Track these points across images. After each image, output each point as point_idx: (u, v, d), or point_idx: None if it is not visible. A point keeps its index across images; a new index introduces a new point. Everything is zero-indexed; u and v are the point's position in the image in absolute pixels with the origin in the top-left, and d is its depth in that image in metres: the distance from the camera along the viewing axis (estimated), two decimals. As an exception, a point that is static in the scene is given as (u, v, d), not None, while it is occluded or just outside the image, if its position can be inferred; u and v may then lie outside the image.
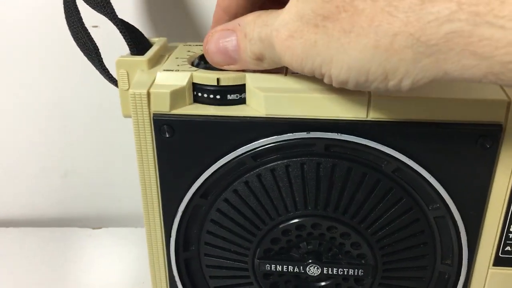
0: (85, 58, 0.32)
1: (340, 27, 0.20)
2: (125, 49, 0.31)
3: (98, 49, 0.31)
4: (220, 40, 0.27)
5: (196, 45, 0.33)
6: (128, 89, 0.29)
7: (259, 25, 0.25)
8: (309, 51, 0.22)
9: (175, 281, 0.33)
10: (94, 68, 0.32)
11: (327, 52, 0.21)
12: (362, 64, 0.21)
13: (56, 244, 0.51)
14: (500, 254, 0.30)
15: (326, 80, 0.23)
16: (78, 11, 0.30)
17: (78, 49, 0.32)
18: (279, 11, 0.24)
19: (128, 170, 0.52)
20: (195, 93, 0.28)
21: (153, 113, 0.28)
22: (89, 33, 0.31)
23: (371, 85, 0.21)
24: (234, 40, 0.26)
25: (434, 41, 0.18)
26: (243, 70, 0.28)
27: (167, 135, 0.28)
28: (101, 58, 0.31)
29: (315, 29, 0.21)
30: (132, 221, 0.53)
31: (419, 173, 0.28)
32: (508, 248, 0.30)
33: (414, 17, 0.18)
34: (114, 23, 0.30)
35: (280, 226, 0.29)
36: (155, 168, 0.29)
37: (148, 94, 0.28)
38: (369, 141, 0.27)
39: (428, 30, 0.18)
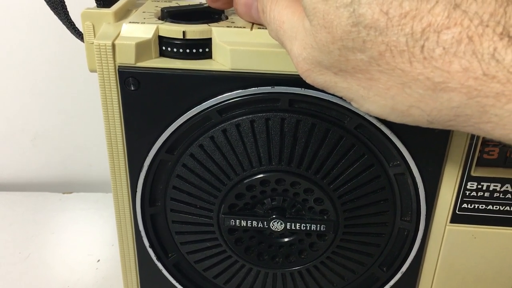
0: (53, 22, 0.32)
1: (358, 83, 0.21)
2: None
3: (64, 2, 0.31)
4: (245, 5, 0.28)
5: (164, 1, 0.33)
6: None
7: (275, 11, 0.24)
8: (329, 86, 0.23)
9: (141, 237, 0.33)
10: (63, 33, 0.31)
11: (347, 93, 0.22)
12: (381, 113, 0.22)
13: (26, 208, 0.51)
14: (457, 211, 0.31)
15: None
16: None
17: (45, 10, 0.31)
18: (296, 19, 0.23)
19: (99, 135, 0.52)
20: (161, 47, 0.28)
21: (118, 65, 0.28)
22: (55, -14, 0.30)
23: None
24: (256, 11, 0.27)
25: (447, 118, 0.20)
26: None
27: (133, 88, 0.28)
28: (67, 11, 0.31)
29: (335, 75, 0.22)
30: (102, 187, 0.53)
31: (381, 129, 0.29)
32: (465, 205, 0.31)
33: (428, 98, 0.19)
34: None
35: (245, 181, 0.30)
36: (121, 122, 0.29)
37: (113, 45, 0.27)
38: (333, 96, 0.27)
39: (442, 111, 0.19)
